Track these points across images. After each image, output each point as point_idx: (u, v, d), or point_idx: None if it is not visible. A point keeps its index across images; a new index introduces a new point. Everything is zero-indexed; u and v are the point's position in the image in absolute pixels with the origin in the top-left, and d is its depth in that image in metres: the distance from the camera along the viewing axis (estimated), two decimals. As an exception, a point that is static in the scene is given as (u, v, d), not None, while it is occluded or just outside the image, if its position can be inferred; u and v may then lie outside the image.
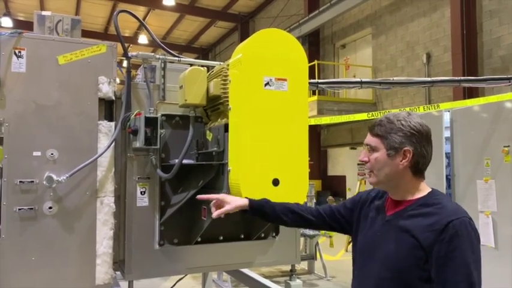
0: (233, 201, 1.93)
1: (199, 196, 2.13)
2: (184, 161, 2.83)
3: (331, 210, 1.89)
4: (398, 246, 1.50)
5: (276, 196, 2.40)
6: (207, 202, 2.80)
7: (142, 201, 2.92)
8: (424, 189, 1.60)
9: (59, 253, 2.68)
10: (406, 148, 1.53)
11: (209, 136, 2.85)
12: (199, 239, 2.94)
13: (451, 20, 10.97)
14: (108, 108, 2.96)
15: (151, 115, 2.88)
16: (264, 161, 2.42)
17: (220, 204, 1.97)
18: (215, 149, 2.69)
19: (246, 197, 2.01)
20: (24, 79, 2.66)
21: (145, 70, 3.10)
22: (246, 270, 4.19)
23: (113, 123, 2.88)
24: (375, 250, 1.60)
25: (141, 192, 2.93)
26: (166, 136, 2.96)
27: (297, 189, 2.50)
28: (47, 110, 2.71)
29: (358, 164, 14.32)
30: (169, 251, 2.94)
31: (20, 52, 2.65)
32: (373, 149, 1.59)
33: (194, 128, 2.90)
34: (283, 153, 2.47)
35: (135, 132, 2.79)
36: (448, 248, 1.40)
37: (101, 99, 2.86)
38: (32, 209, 2.62)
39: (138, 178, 2.93)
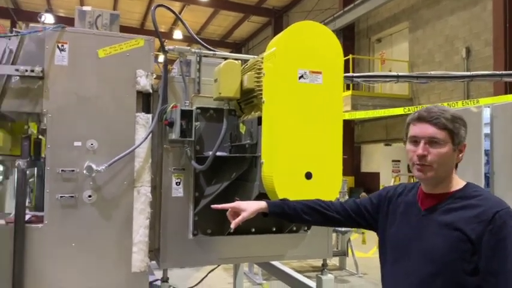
0: (249, 207, 1.85)
1: (213, 206, 2.05)
2: (218, 153, 2.87)
3: (357, 206, 1.85)
4: (441, 240, 1.48)
5: (308, 190, 2.41)
6: (240, 195, 2.85)
7: (178, 191, 2.99)
8: (458, 182, 1.58)
9: (97, 240, 2.79)
10: (464, 143, 1.54)
11: (242, 129, 2.88)
12: (231, 230, 2.97)
13: (494, 12, 10.56)
14: (145, 100, 3.03)
15: (187, 108, 2.94)
16: (297, 154, 2.42)
17: (236, 212, 1.89)
18: (248, 141, 2.72)
19: (264, 200, 1.95)
20: (66, 72, 2.76)
21: (181, 64, 3.15)
22: (277, 264, 4.22)
23: (150, 116, 2.95)
24: (412, 245, 1.57)
25: (176, 183, 2.99)
26: (201, 128, 3.01)
27: (330, 184, 2.49)
28: (87, 102, 2.81)
29: (393, 161, 14.05)
30: (203, 241, 3.00)
31: (62, 46, 2.75)
32: (437, 143, 1.51)
33: (228, 120, 2.93)
34: (317, 147, 2.46)
35: (171, 125, 2.85)
36: (498, 238, 1.40)
37: (138, 92, 2.93)
38: (72, 197, 2.73)
39: (174, 169, 3.00)
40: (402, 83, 7.01)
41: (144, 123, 2.91)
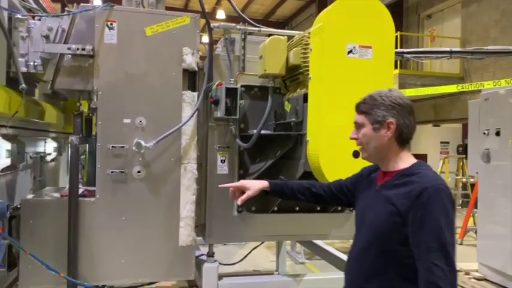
0: (253, 186, 1.98)
1: (221, 185, 2.20)
2: (263, 132, 2.86)
3: (340, 184, 1.99)
4: (380, 213, 1.62)
5: (356, 169, 2.35)
6: (284, 173, 2.84)
7: (222, 169, 3.01)
8: (409, 161, 1.67)
9: (146, 214, 2.88)
10: (389, 120, 1.61)
11: (287, 107, 2.85)
12: (275, 208, 2.98)
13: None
14: (191, 78, 3.05)
15: (232, 86, 2.93)
16: (345, 132, 2.35)
17: (242, 191, 2.01)
18: (294, 119, 2.68)
19: (266, 179, 2.06)
20: (115, 50, 2.82)
21: (226, 42, 3.14)
22: (320, 243, 4.20)
23: (195, 94, 2.97)
24: (365, 217, 1.73)
25: (221, 161, 3.02)
26: (245, 107, 3.00)
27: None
28: (135, 80, 2.86)
29: (442, 143, 13.54)
30: (247, 218, 3.03)
31: (111, 24, 2.80)
32: (360, 126, 1.69)
33: (273, 98, 2.90)
34: (365, 124, 2.39)
35: (216, 103, 2.86)
36: (423, 212, 1.50)
37: (184, 70, 2.95)
38: (122, 172, 2.82)
39: (219, 147, 3.02)
40: (454, 59, 6.63)
41: (190, 101, 2.93)
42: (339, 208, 3.14)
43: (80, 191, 2.87)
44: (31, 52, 2.82)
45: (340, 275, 3.46)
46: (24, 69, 2.81)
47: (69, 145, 2.84)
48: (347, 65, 2.36)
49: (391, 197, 1.59)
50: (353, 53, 2.37)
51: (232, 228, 3.01)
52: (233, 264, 4.33)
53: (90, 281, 2.81)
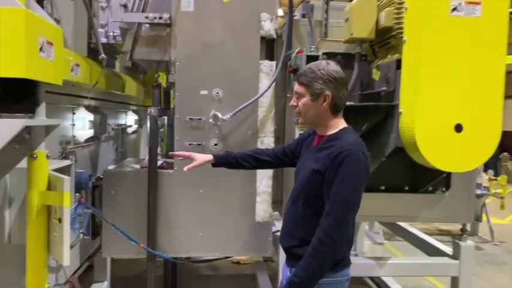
0: (200, 158, 2.20)
1: (171, 153, 2.41)
2: (347, 103, 2.61)
3: (283, 148, 2.18)
4: (307, 170, 1.83)
5: (458, 144, 2.06)
6: (372, 149, 2.60)
7: (302, 143, 2.83)
8: (338, 127, 1.85)
9: (223, 189, 2.81)
10: (326, 93, 1.78)
11: (376, 75, 2.57)
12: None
13: None
14: (269, 47, 2.88)
15: (313, 53, 2.71)
16: (446, 102, 2.07)
17: (189, 160, 2.22)
18: (384, 88, 2.41)
19: (211, 153, 2.26)
20: (192, 18, 2.71)
21: (306, 6, 2.91)
22: (403, 225, 3.92)
23: (273, 63, 2.80)
24: (298, 173, 1.94)
25: (299, 135, 2.84)
26: (327, 76, 2.76)
27: (484, 139, 2.10)
28: (212, 50, 2.75)
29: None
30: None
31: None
32: (300, 96, 1.85)
33: (359, 66, 2.64)
34: (471, 94, 2.07)
35: (295, 71, 2.66)
36: (336, 172, 1.70)
37: (262, 38, 2.78)
38: (200, 144, 2.75)
39: (297, 120, 2.84)
40: None
41: (268, 71, 2.77)
42: (430, 188, 2.84)
43: (159, 162, 2.87)
44: (110, 22, 2.82)
45: (428, 260, 3.20)
46: (104, 40, 2.82)
47: (148, 117, 2.83)
48: (450, 25, 2.04)
49: (318, 157, 1.80)
50: (458, 11, 2.03)
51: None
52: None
53: (168, 253, 2.83)
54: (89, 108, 3.12)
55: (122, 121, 4.55)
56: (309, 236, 1.75)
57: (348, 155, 1.69)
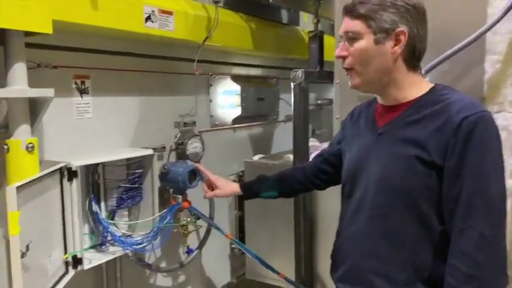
0: (224, 187, 1.67)
1: (197, 164, 1.86)
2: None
3: (332, 149, 1.48)
4: (399, 162, 1.10)
5: None
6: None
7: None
8: (424, 86, 1.14)
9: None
10: (400, 29, 1.08)
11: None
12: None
13: None
14: None
15: None
16: None
17: (211, 186, 1.71)
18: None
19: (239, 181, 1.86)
20: None
21: None
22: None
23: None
24: (364, 172, 1.18)
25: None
26: None
27: None
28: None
29: None
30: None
31: None
32: (354, 38, 1.11)
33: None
34: None
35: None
36: (463, 153, 1.01)
37: None
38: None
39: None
40: None
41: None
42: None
43: (314, 153, 2.05)
44: None
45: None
46: None
47: (292, 83, 1.99)
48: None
49: (414, 137, 1.07)
50: None
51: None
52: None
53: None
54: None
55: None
56: (409, 271, 1.07)
57: (478, 123, 1.00)
